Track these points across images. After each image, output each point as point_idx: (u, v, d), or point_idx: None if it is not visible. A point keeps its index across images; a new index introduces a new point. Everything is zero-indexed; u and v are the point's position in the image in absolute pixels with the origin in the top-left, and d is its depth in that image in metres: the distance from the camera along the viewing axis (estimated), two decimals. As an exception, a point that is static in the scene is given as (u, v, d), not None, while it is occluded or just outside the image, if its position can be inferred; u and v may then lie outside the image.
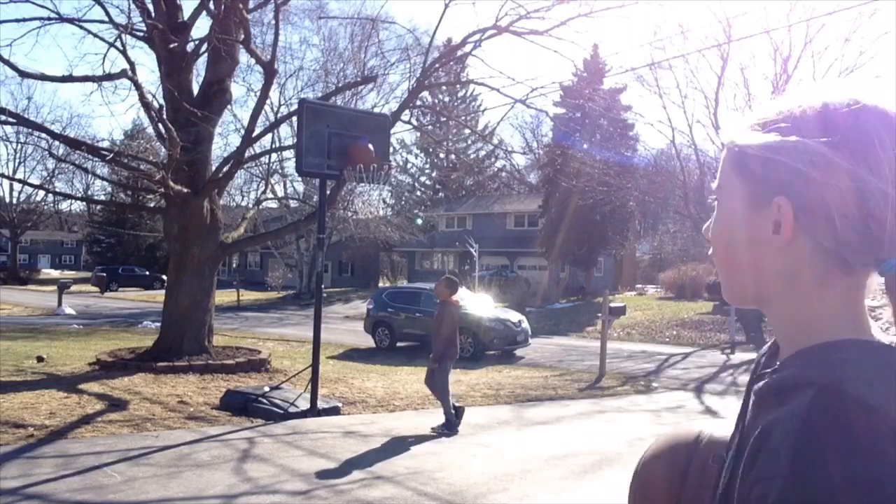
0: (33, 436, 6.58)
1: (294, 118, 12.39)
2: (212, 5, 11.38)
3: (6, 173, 52.12)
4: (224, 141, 35.55)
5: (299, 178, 33.47)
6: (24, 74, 9.57)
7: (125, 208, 56.54)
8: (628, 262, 43.78)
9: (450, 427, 7.49)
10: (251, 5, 12.20)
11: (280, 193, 36.20)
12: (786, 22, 18.53)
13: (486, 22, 20.92)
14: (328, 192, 9.94)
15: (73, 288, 37.15)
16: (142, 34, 11.33)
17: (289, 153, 23.45)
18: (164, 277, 23.56)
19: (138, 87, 9.65)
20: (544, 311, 28.24)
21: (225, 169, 11.64)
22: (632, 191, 24.29)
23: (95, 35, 10.01)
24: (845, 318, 0.70)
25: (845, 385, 0.62)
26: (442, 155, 57.38)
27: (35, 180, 58.05)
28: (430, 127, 32.13)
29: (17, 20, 9.34)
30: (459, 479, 5.77)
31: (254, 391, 8.52)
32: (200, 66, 13.65)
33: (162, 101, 11.07)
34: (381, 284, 47.85)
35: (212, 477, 5.58)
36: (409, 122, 16.76)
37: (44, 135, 12.00)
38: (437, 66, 13.41)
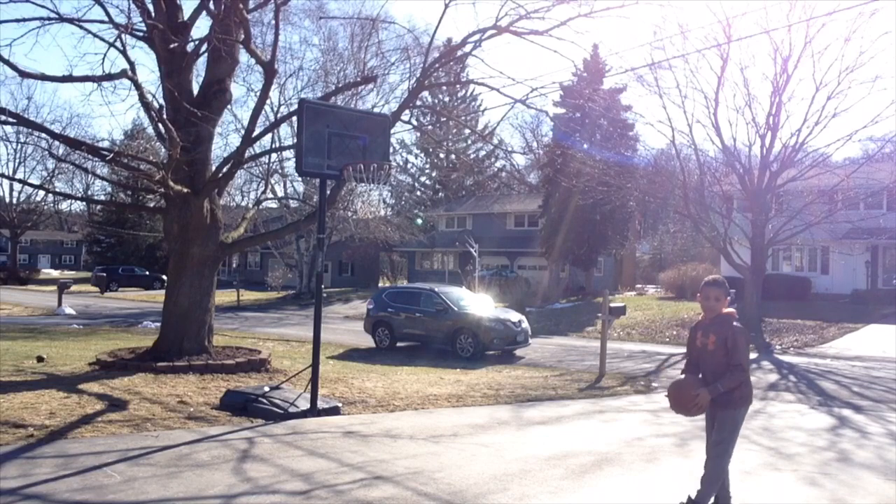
0: (33, 436, 6.58)
1: (294, 118, 12.38)
2: (212, 5, 11.37)
3: (6, 173, 52.34)
4: (224, 141, 35.63)
5: (299, 178, 33.48)
6: (24, 74, 9.54)
7: (125, 208, 56.75)
8: (628, 262, 43.79)
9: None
10: (251, 5, 12.18)
11: (280, 193, 36.27)
12: (786, 22, 18.55)
13: (486, 22, 20.89)
14: (328, 192, 9.93)
15: (73, 288, 37.16)
16: (142, 34, 11.32)
17: (289, 153, 23.46)
18: (164, 277, 23.57)
19: (138, 87, 9.63)
20: (544, 311, 28.24)
21: (225, 169, 11.63)
22: (632, 191, 24.28)
23: (95, 35, 9.98)
24: None
25: None
26: (442, 155, 57.41)
27: (35, 180, 58.20)
28: (430, 127, 32.11)
29: (17, 20, 9.31)
30: (459, 479, 5.76)
31: (254, 391, 8.52)
32: (200, 66, 13.65)
33: (162, 101, 11.06)
34: (381, 284, 47.89)
35: (212, 477, 5.58)
36: (409, 122, 16.75)
37: (44, 135, 12.00)
38: (437, 66, 13.39)
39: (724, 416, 4.78)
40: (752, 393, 4.90)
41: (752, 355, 16.92)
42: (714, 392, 4.66)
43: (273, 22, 11.77)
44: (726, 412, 4.78)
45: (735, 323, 4.80)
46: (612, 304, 13.31)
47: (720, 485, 4.87)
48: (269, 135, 15.91)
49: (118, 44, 9.75)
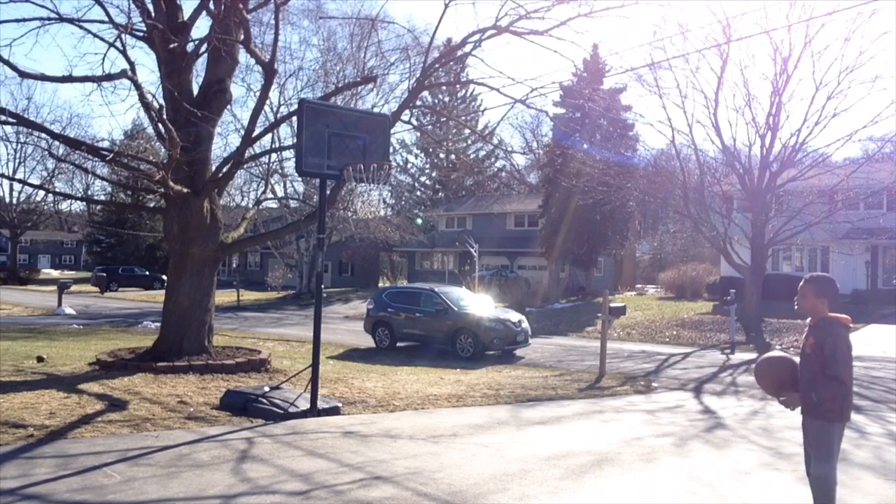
0: (33, 436, 6.59)
1: (294, 118, 12.39)
2: (212, 5, 11.38)
3: (6, 173, 52.37)
4: (224, 141, 35.65)
5: (299, 178, 33.49)
6: (24, 74, 9.55)
7: (125, 208, 56.74)
8: (628, 262, 43.80)
9: None
10: (251, 5, 12.19)
11: (280, 193, 36.28)
12: (785, 22, 18.56)
13: (486, 22, 20.93)
14: (328, 192, 9.93)
15: (73, 288, 37.16)
16: (142, 34, 11.33)
17: (289, 153, 23.47)
18: (164, 277, 23.57)
19: (138, 87, 9.64)
20: (544, 311, 28.24)
21: (225, 169, 11.64)
22: (632, 191, 24.30)
23: (95, 35, 9.99)
24: None
25: None
26: (442, 155, 57.41)
27: (35, 180, 58.23)
28: (430, 127, 32.12)
29: (17, 20, 9.31)
30: (459, 479, 5.77)
31: (254, 391, 8.53)
32: (200, 66, 13.66)
33: (162, 101, 11.06)
34: (381, 284, 47.89)
35: (211, 477, 5.59)
36: (409, 122, 16.75)
37: (44, 135, 11.99)
38: (436, 66, 13.40)
39: (814, 430, 4.37)
40: (848, 407, 4.33)
41: (751, 356, 16.90)
42: (806, 400, 4.32)
43: (273, 22, 11.78)
44: (815, 424, 4.35)
45: (840, 329, 4.28)
46: (612, 304, 13.31)
47: None
48: (269, 135, 15.93)
49: (118, 44, 9.76)
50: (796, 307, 4.51)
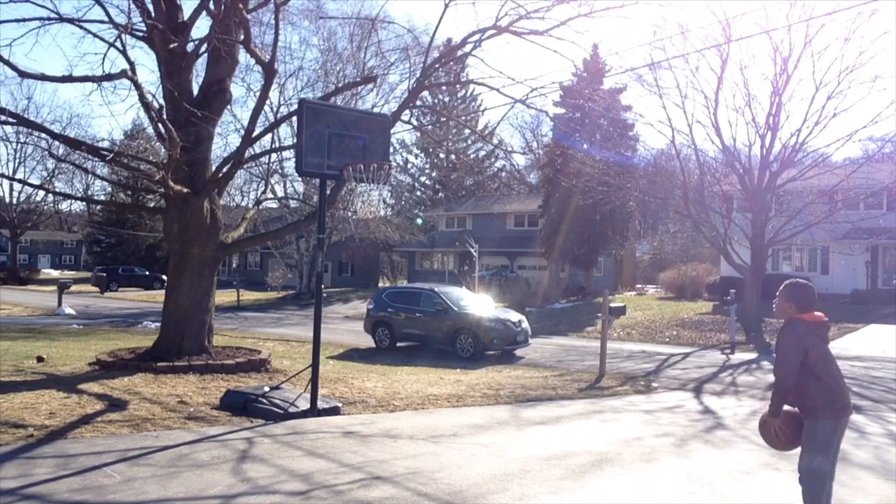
0: (33, 436, 6.59)
1: (294, 118, 12.39)
2: (212, 5, 11.37)
3: (6, 173, 52.37)
4: (224, 141, 35.69)
5: (299, 178, 33.50)
6: (24, 74, 9.55)
7: (125, 208, 56.76)
8: (628, 262, 43.80)
9: None
10: (251, 5, 12.19)
11: (280, 193, 36.30)
12: (785, 22, 18.55)
13: (486, 22, 20.93)
14: (328, 192, 9.93)
15: (73, 288, 37.16)
16: (142, 34, 11.33)
17: (289, 153, 23.48)
18: (164, 277, 23.57)
19: (138, 87, 9.64)
20: (544, 311, 28.24)
21: (225, 169, 11.63)
22: (632, 191, 24.29)
23: (95, 35, 9.99)
24: None
25: None
26: (442, 155, 57.41)
27: (35, 180, 58.26)
28: (430, 127, 32.13)
29: (17, 20, 9.32)
30: (459, 480, 5.77)
31: (254, 391, 8.52)
32: (200, 66, 13.66)
33: (162, 102, 11.06)
34: (381, 284, 47.89)
35: (211, 477, 5.59)
36: (409, 122, 16.75)
37: (44, 135, 11.99)
38: (436, 66, 13.40)
39: (805, 428, 4.42)
40: (834, 405, 4.34)
41: (751, 356, 16.90)
42: (771, 411, 4.42)
43: (273, 22, 11.78)
44: (806, 423, 4.40)
45: (790, 327, 4.39)
46: (612, 304, 13.31)
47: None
48: (269, 135, 15.92)
49: (118, 44, 9.77)
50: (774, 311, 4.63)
